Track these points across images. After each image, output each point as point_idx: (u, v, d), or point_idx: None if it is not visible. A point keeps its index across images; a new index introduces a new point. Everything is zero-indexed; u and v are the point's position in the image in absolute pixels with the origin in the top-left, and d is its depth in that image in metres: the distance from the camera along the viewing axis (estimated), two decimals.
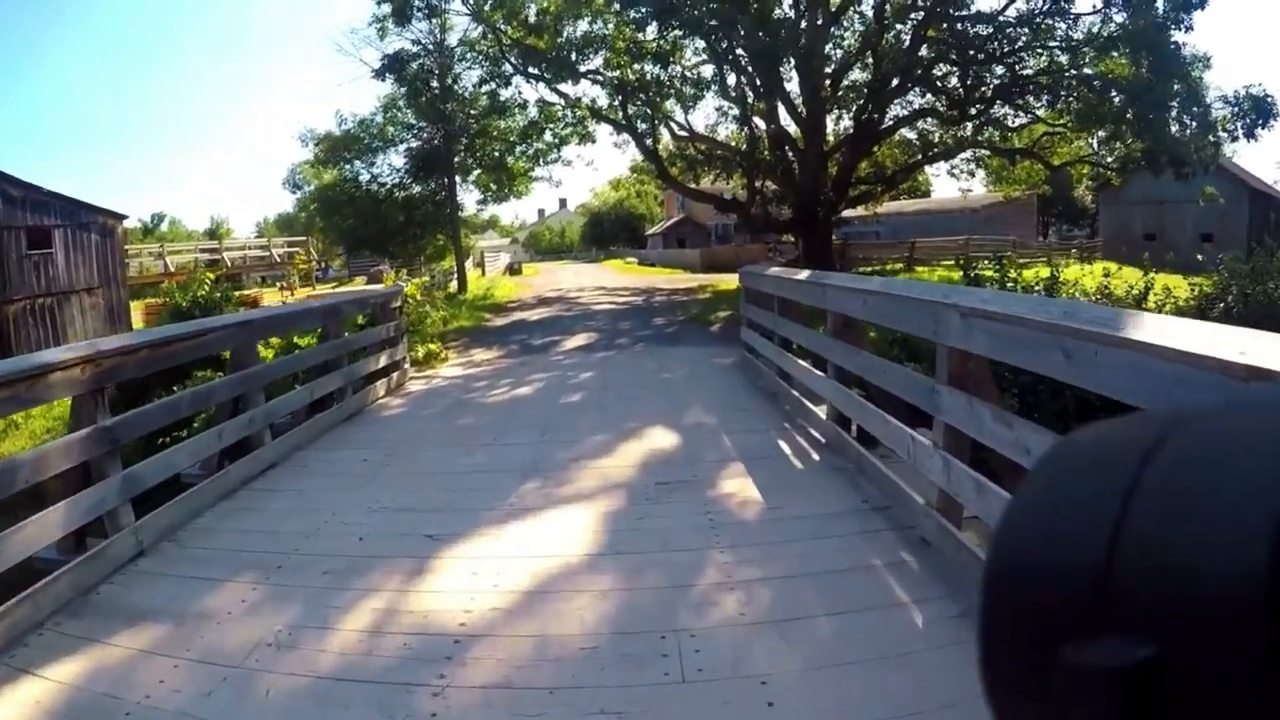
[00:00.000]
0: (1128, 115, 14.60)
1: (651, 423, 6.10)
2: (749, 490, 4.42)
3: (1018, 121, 20.22)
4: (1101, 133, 16.63)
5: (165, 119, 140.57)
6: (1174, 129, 14.91)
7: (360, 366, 7.39)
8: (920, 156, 20.95)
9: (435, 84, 21.72)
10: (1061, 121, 17.57)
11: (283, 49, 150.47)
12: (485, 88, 21.35)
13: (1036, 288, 11.87)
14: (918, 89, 18.35)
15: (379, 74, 20.80)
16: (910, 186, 29.99)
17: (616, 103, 20.35)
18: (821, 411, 5.48)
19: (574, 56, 19.04)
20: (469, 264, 29.68)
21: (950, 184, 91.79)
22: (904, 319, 3.85)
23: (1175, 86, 14.11)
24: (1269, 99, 14.55)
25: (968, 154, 21.67)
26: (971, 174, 22.25)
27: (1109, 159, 19.47)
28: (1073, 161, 20.40)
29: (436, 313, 14.91)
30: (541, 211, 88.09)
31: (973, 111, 17.74)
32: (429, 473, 5.11)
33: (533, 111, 21.67)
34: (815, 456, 5.04)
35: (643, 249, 53.65)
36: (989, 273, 12.64)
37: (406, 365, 9.08)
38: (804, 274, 6.14)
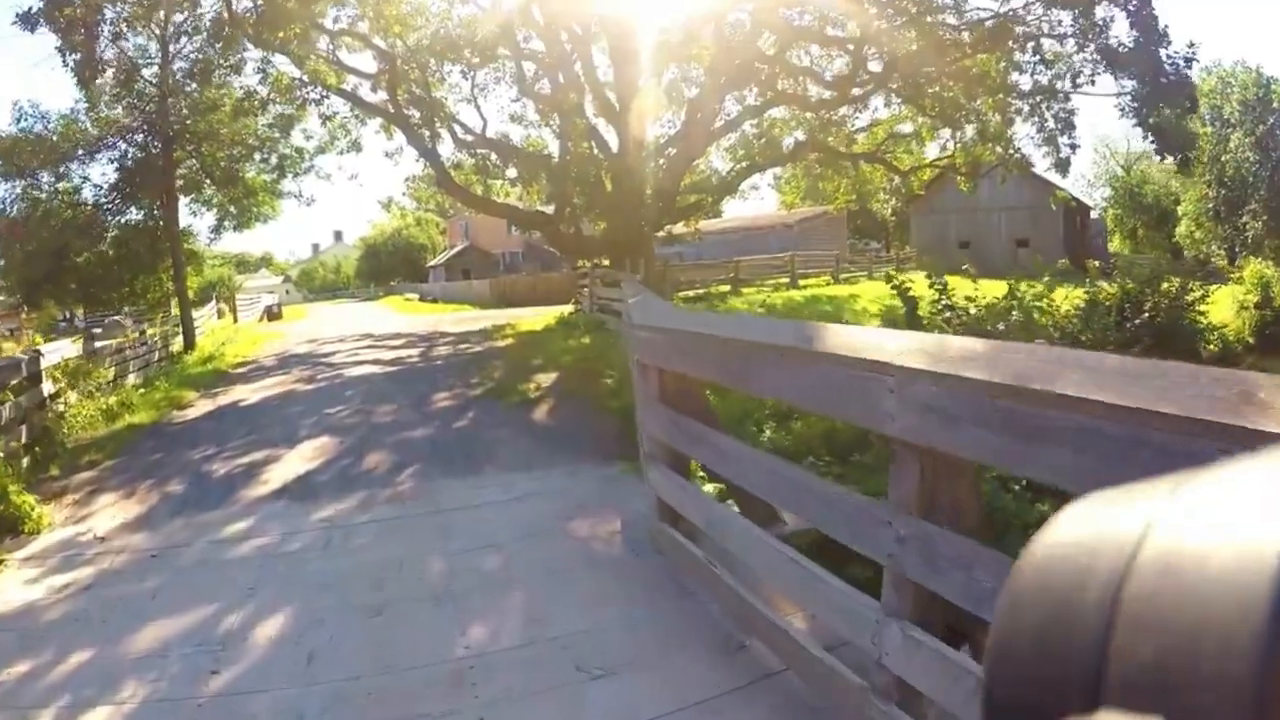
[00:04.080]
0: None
1: None
2: None
3: (861, 120, 17.66)
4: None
5: None
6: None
7: None
8: (755, 160, 17.74)
9: (153, 62, 15.31)
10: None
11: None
12: (196, 40, 15.28)
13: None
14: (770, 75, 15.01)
15: (25, 22, 13.90)
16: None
17: (382, 90, 15.34)
18: None
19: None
20: (213, 310, 22.58)
21: (742, 201, 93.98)
22: None
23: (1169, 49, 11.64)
24: None
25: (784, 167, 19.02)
26: (817, 180, 19.48)
27: (959, 161, 17.30)
28: (920, 166, 18.20)
29: (88, 406, 8.83)
30: (316, 246, 78.85)
31: (856, 93, 14.66)
32: None
33: (252, 79, 16.00)
34: None
35: (424, 283, 47.80)
36: (923, 290, 9.40)
37: None
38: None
